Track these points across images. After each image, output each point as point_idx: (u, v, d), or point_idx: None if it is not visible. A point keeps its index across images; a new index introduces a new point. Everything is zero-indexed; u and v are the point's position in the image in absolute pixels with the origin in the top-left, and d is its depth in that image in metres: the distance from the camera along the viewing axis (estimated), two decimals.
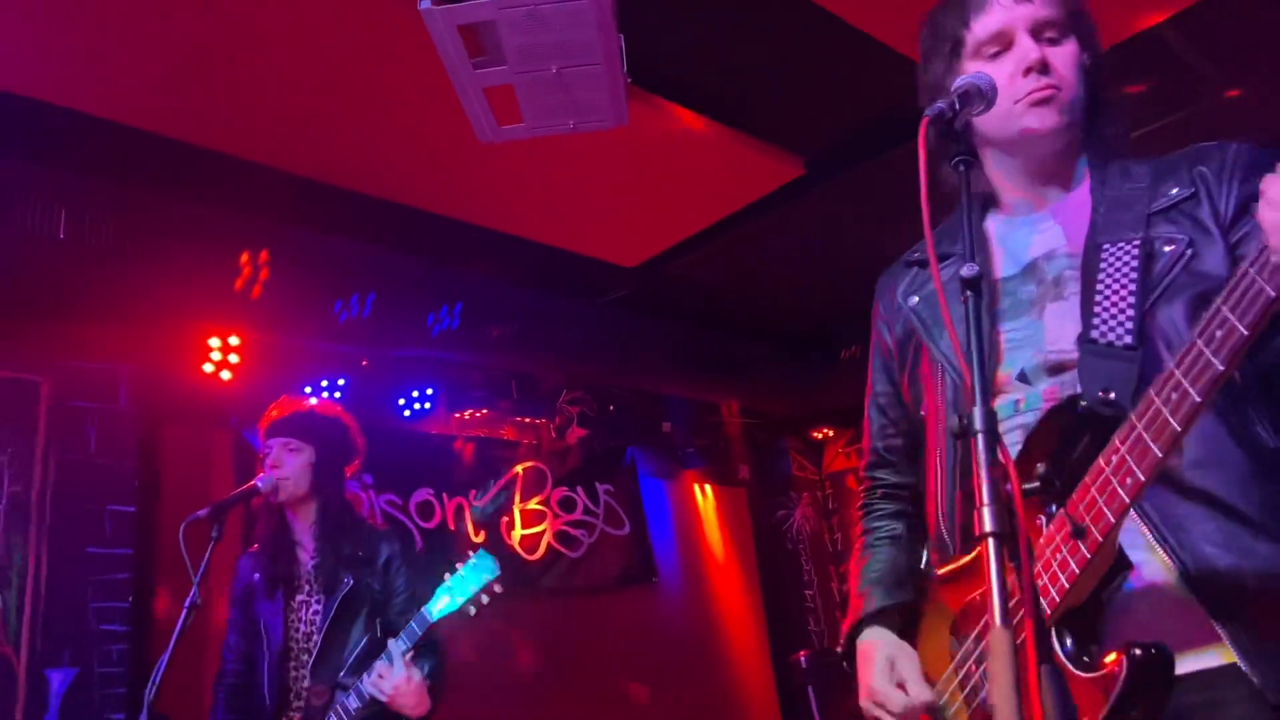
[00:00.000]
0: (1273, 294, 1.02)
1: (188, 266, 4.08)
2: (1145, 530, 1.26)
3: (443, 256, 4.86)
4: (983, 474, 1.07)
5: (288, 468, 2.99)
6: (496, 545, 5.70)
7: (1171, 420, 1.10)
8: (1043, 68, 1.47)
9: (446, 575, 2.71)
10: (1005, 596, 1.00)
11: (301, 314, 4.46)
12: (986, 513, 1.05)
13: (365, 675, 2.71)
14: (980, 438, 1.09)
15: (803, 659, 6.32)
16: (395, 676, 2.65)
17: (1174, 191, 1.42)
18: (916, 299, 1.66)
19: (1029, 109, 1.47)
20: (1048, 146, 1.52)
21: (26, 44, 3.19)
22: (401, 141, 3.89)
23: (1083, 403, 1.24)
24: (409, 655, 2.70)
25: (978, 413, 1.10)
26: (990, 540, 1.03)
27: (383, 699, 2.67)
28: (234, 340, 4.70)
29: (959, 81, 1.39)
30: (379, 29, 3.24)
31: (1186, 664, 1.21)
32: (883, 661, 1.50)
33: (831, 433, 7.79)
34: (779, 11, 3.50)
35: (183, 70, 3.38)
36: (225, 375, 4.68)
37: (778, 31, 3.64)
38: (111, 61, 3.31)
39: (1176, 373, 1.10)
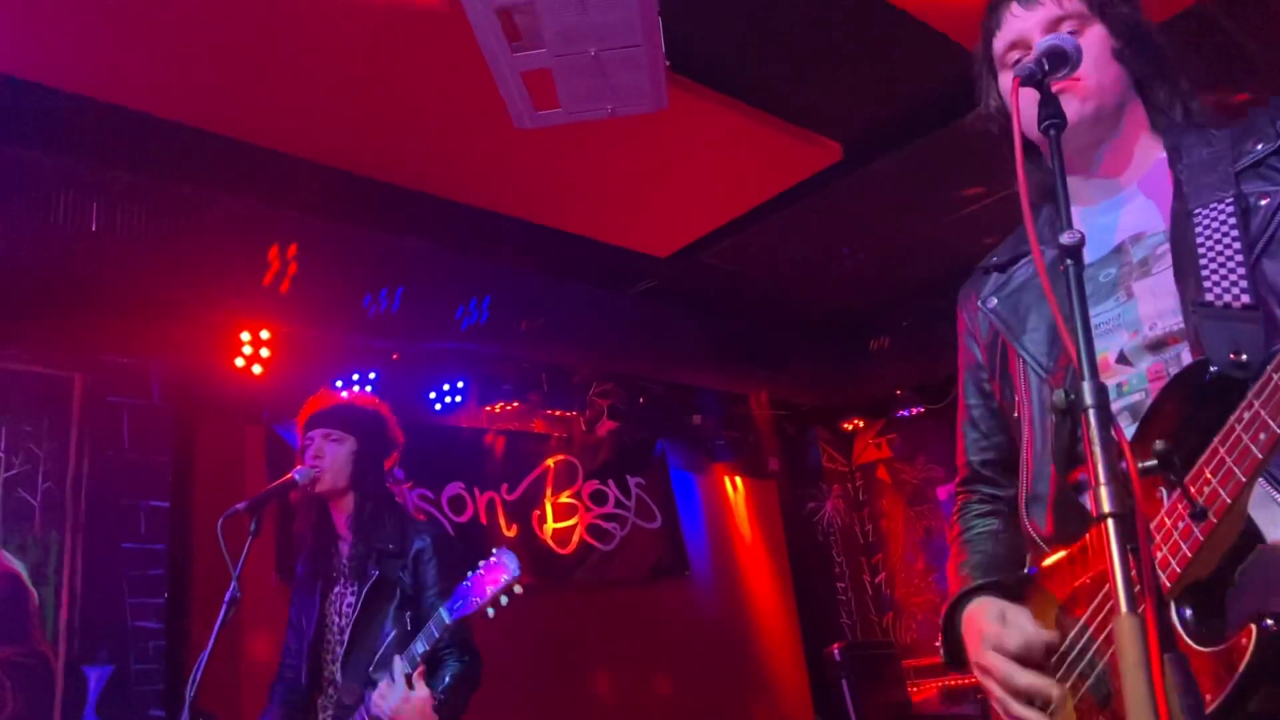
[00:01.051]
0: None
1: (219, 260, 4.06)
2: (1276, 494, 1.19)
3: (473, 248, 4.83)
4: (1097, 451, 1.00)
5: (329, 458, 2.94)
6: (528, 539, 5.67)
7: None
8: None
9: (468, 574, 2.63)
10: (1129, 581, 0.94)
11: (332, 307, 4.43)
12: (1104, 492, 0.98)
13: (368, 691, 2.64)
14: (1092, 413, 1.03)
15: (836, 651, 6.27)
16: (395, 695, 2.56)
17: (1259, 147, 1.37)
18: (995, 300, 1.62)
19: None
20: (1088, 134, 1.48)
21: (60, 36, 3.16)
22: (431, 131, 3.84)
23: (1213, 367, 1.17)
24: (419, 669, 2.60)
25: (1087, 387, 1.04)
26: (1110, 521, 0.97)
27: (385, 718, 2.58)
28: (265, 334, 4.68)
29: (1044, 42, 1.34)
30: (412, 16, 3.19)
31: None
32: (995, 614, 1.42)
33: (862, 424, 7.71)
34: None
35: (214, 62, 3.35)
36: (257, 369, 4.67)
37: (814, 14, 3.57)
38: (143, 54, 3.28)
39: None
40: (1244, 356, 1.20)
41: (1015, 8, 1.53)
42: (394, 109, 3.70)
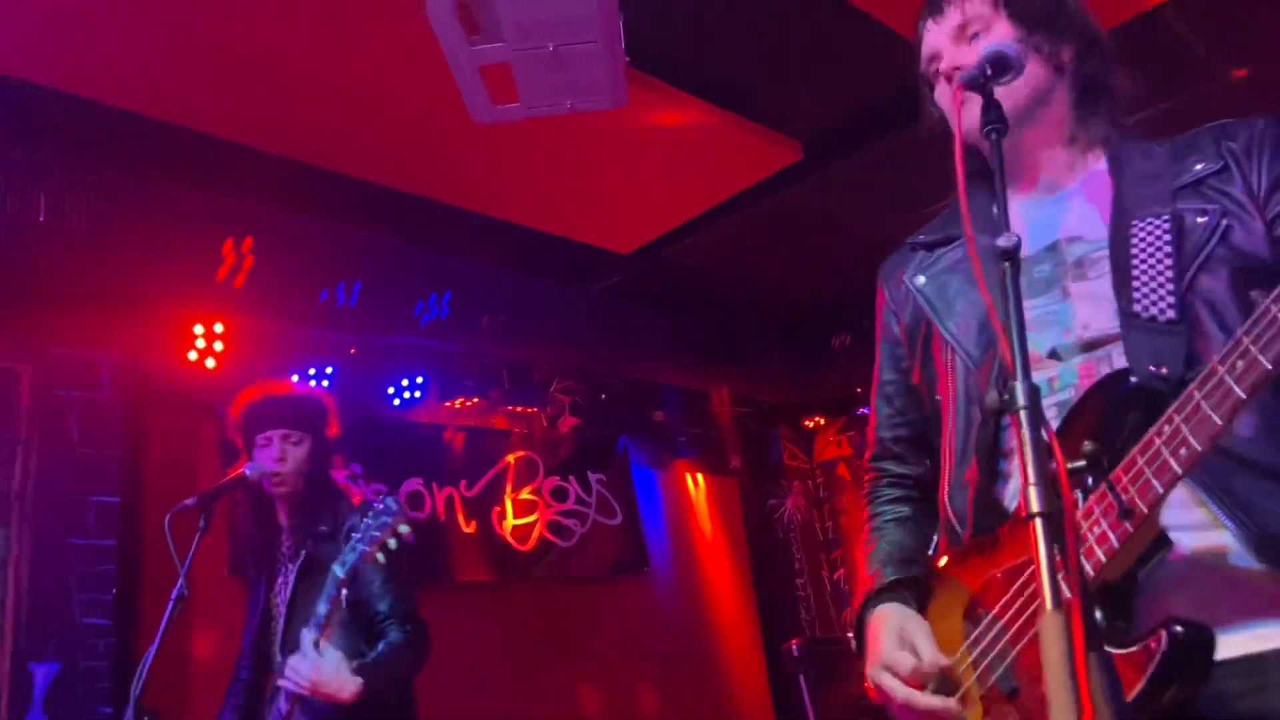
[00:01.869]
0: None
1: (171, 251, 3.99)
2: (1204, 503, 1.23)
3: (433, 242, 4.79)
4: (1028, 452, 1.02)
5: (291, 462, 2.91)
6: (488, 535, 5.65)
7: (1236, 388, 1.06)
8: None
9: (352, 535, 2.58)
10: (1055, 580, 0.95)
11: (288, 300, 4.38)
12: (1033, 492, 0.99)
13: (281, 679, 2.59)
14: (1023, 414, 1.04)
15: (794, 647, 6.30)
16: (305, 665, 2.50)
17: (1199, 167, 1.38)
18: (923, 279, 1.62)
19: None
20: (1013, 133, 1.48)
21: (6, 23, 3.09)
22: (391, 124, 3.80)
23: (1133, 377, 1.20)
24: (325, 632, 2.54)
25: (1020, 388, 1.05)
26: (1039, 521, 0.98)
27: (303, 692, 2.51)
28: (219, 327, 4.61)
29: (988, 49, 1.35)
30: (369, 5, 3.16)
31: (1243, 646, 1.18)
32: (893, 629, 1.46)
33: (823, 421, 7.75)
34: None
35: (167, 49, 3.29)
36: (210, 363, 4.60)
37: (776, 12, 3.58)
38: (93, 40, 3.22)
39: (1245, 340, 1.06)
40: (1164, 369, 1.23)
41: (929, 23, 1.55)
42: (353, 100, 3.66)
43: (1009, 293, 1.12)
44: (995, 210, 1.53)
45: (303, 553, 2.85)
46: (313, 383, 5.01)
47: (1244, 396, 1.06)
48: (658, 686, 6.09)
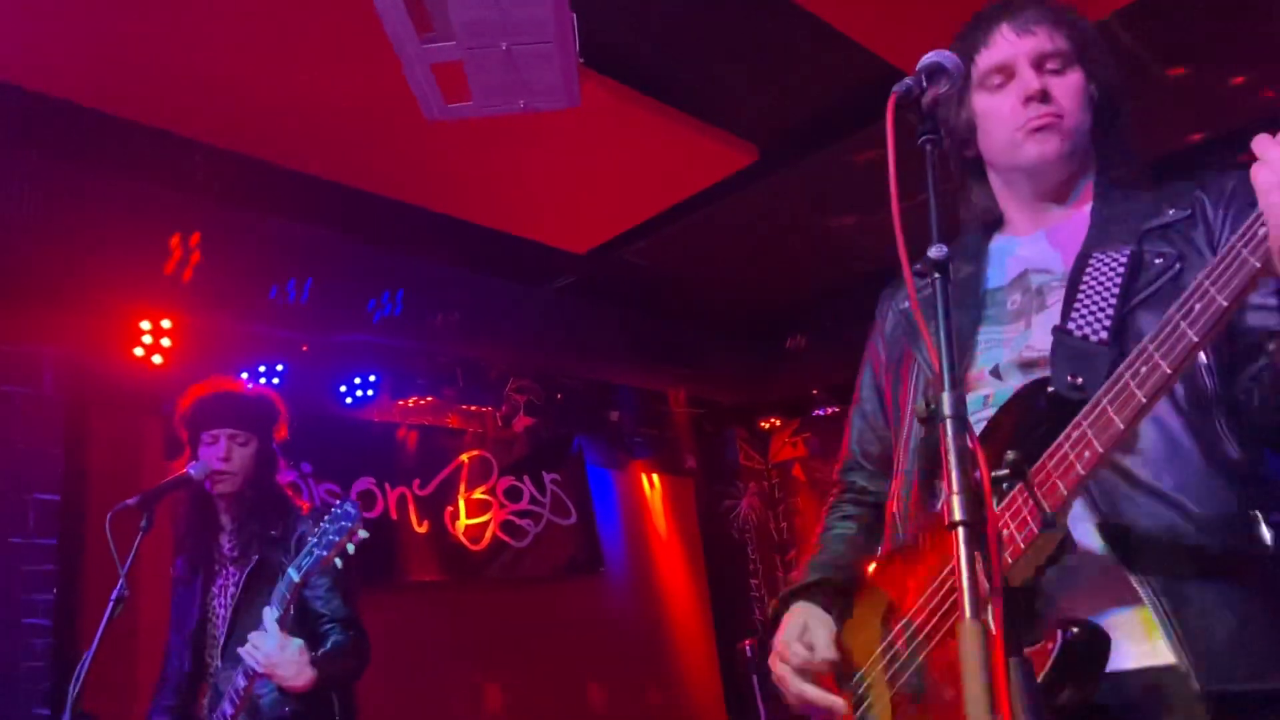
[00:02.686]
0: (1257, 265, 1.03)
1: (118, 246, 3.91)
2: (1090, 513, 1.28)
3: (386, 240, 4.74)
4: (951, 460, 1.04)
5: (237, 462, 2.89)
6: (440, 535, 5.61)
7: (1138, 392, 1.10)
8: (1043, 97, 1.50)
9: (314, 530, 2.58)
10: (976, 587, 0.97)
11: (237, 297, 4.31)
12: (956, 501, 1.01)
13: (242, 649, 2.57)
14: (948, 423, 1.06)
15: (748, 648, 6.34)
16: (268, 644, 2.50)
17: (1171, 212, 1.44)
18: (907, 304, 1.68)
19: (1029, 135, 1.50)
20: (1053, 174, 1.55)
21: None
22: (343, 120, 3.75)
23: (1050, 388, 1.23)
24: (288, 611, 2.55)
25: (946, 397, 1.07)
26: (960, 529, 1.00)
27: (259, 669, 2.51)
28: (166, 324, 4.53)
29: (925, 59, 1.36)
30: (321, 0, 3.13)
31: (1132, 658, 1.22)
32: (797, 624, 1.55)
33: (779, 422, 7.80)
34: None
35: (115, 42, 3.23)
36: (157, 359, 4.52)
37: (733, 16, 3.60)
38: (40, 32, 3.15)
39: (1149, 346, 1.11)
40: (1080, 380, 1.27)
41: (1007, 30, 1.54)
42: (305, 96, 3.60)
43: (939, 305, 1.14)
44: (969, 238, 1.59)
45: (254, 557, 2.83)
46: (263, 380, 4.94)
47: (1144, 400, 1.10)
48: (611, 687, 6.09)
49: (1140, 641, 1.23)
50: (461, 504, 5.77)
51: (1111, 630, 1.19)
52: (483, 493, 5.89)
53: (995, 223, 1.65)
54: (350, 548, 2.52)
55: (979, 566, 0.98)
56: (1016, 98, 1.50)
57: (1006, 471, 1.16)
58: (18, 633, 3.94)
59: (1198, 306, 1.08)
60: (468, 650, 5.45)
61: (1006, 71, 1.53)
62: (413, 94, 3.15)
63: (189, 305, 4.31)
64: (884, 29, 3.59)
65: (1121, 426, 1.11)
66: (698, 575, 7.15)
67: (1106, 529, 1.24)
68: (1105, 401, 1.14)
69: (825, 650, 1.48)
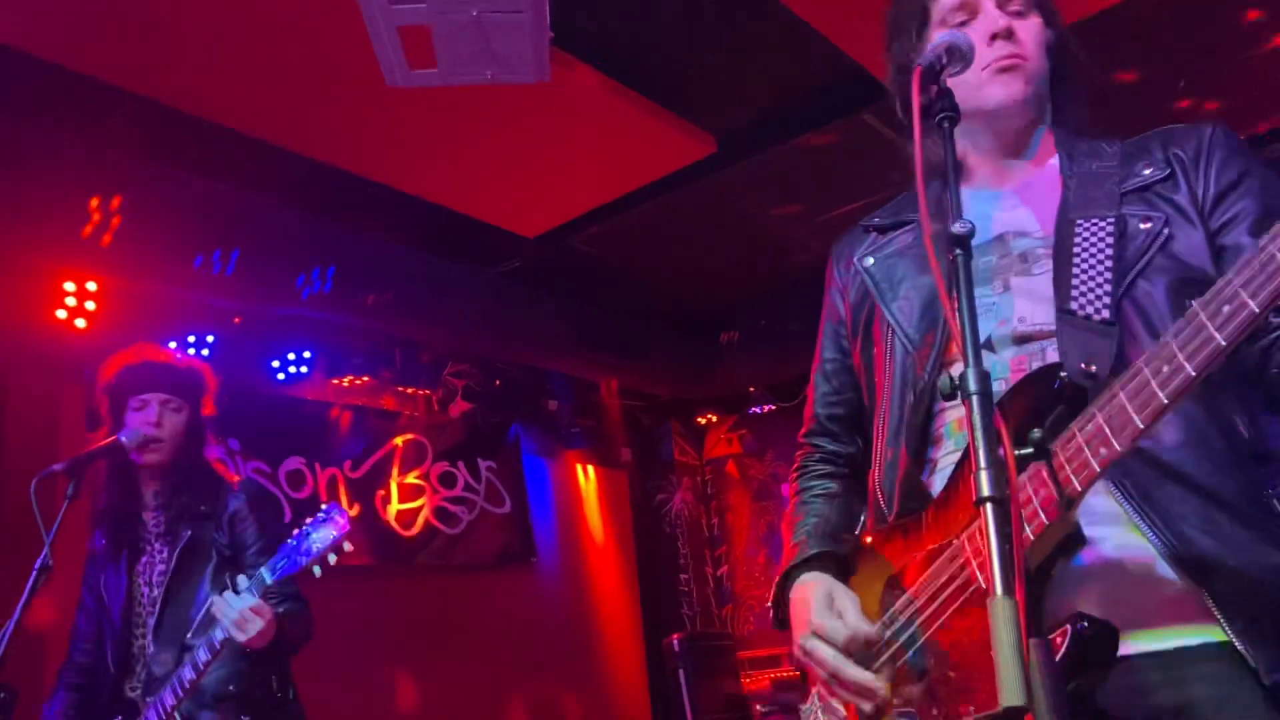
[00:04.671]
0: None
1: (40, 202, 3.69)
2: (1123, 506, 1.24)
3: (322, 208, 4.56)
4: (978, 437, 1.02)
5: (168, 429, 2.77)
6: (371, 519, 5.47)
7: (1160, 393, 1.07)
8: (1008, 34, 1.47)
9: (294, 532, 2.50)
10: (1007, 564, 0.95)
11: (162, 262, 4.11)
12: (984, 476, 0.99)
13: (214, 628, 2.48)
14: (975, 399, 1.04)
15: (675, 642, 6.35)
16: (239, 602, 2.41)
17: (1147, 172, 1.42)
18: (871, 260, 1.62)
19: (995, 76, 1.47)
20: (1014, 118, 1.52)
21: None
22: (289, 78, 3.56)
23: (1063, 373, 1.21)
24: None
25: (971, 374, 1.06)
26: (989, 505, 0.98)
27: (227, 625, 2.42)
28: (91, 286, 4.33)
29: (941, 36, 1.35)
30: None
31: (1159, 641, 1.21)
32: (822, 597, 1.45)
33: (715, 418, 7.83)
34: None
35: None
36: (80, 323, 4.32)
37: (704, 4, 3.57)
38: None
39: (1173, 344, 1.06)
40: (1094, 368, 1.25)
41: None
42: (251, 50, 3.41)
43: (960, 279, 1.12)
44: (948, 197, 1.56)
45: (186, 533, 2.72)
46: (192, 351, 4.75)
47: (1166, 402, 1.07)
48: (538, 677, 6.04)
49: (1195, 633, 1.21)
50: (394, 488, 5.64)
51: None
52: (416, 477, 5.77)
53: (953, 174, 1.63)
54: (332, 559, 2.44)
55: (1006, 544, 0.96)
56: (980, 35, 1.46)
57: (1031, 450, 1.14)
58: None
59: (1226, 309, 1.02)
60: (395, 636, 5.33)
61: (970, 8, 1.50)
62: (369, 57, 3.05)
63: (113, 269, 4.10)
64: (849, 25, 3.59)
65: (1141, 426, 1.08)
66: (628, 569, 7.14)
67: (1168, 552, 1.21)
68: (1124, 396, 1.10)
69: (859, 624, 1.38)
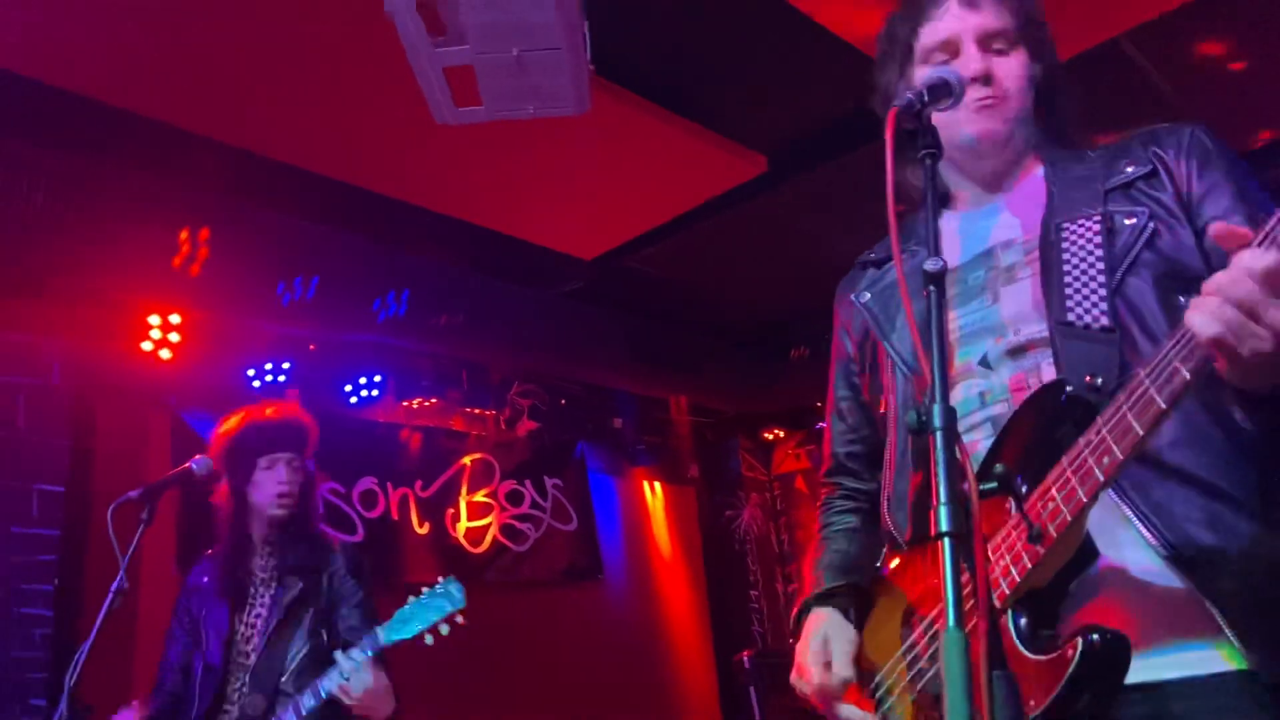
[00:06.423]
0: None
1: (129, 240, 3.94)
2: (1126, 511, 1.25)
3: (393, 239, 4.76)
4: (939, 472, 1.04)
5: (295, 485, 2.95)
6: (441, 537, 5.61)
7: (1158, 398, 1.09)
8: (985, 78, 1.48)
9: (409, 598, 2.63)
10: (959, 598, 0.97)
11: (245, 293, 4.34)
12: (943, 512, 1.02)
13: (325, 677, 2.64)
14: (938, 435, 1.07)
15: (746, 659, 6.32)
16: (363, 679, 2.57)
17: (1130, 169, 1.42)
18: (869, 295, 1.66)
19: (973, 115, 1.48)
20: (993, 154, 1.54)
21: None
22: (354, 119, 3.78)
23: (1069, 388, 1.22)
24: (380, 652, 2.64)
25: (937, 409, 1.08)
26: (945, 540, 1.01)
27: (349, 701, 2.59)
28: (175, 318, 4.56)
29: (930, 74, 1.37)
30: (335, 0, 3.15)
31: (1175, 667, 1.21)
32: (818, 638, 1.51)
33: (782, 434, 7.80)
34: (746, 6, 3.48)
35: (125, 33, 3.25)
36: (165, 354, 4.55)
37: (744, 26, 3.62)
38: (54, 25, 3.18)
39: (1170, 348, 1.08)
40: (1099, 380, 1.26)
41: (953, 5, 1.51)
42: (315, 94, 3.63)
43: (932, 316, 1.14)
44: (913, 220, 1.58)
45: (298, 585, 2.87)
46: (270, 378, 4.97)
47: (1164, 407, 1.08)
48: (607, 695, 6.08)
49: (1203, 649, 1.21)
50: (463, 506, 5.78)
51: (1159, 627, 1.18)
52: (484, 496, 5.90)
53: (940, 200, 1.62)
54: (444, 629, 2.61)
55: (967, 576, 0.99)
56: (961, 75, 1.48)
57: (995, 485, 1.16)
58: (15, 623, 3.95)
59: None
60: (463, 653, 5.44)
61: (950, 48, 1.51)
62: (423, 96, 3.17)
63: (197, 300, 4.33)
64: None
65: (1141, 433, 1.10)
66: (697, 585, 7.13)
67: (1170, 555, 1.21)
68: (1125, 406, 1.12)
69: (842, 668, 1.46)
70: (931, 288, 1.16)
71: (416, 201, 4.44)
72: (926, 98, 1.31)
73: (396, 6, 2.68)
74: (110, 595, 2.54)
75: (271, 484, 2.92)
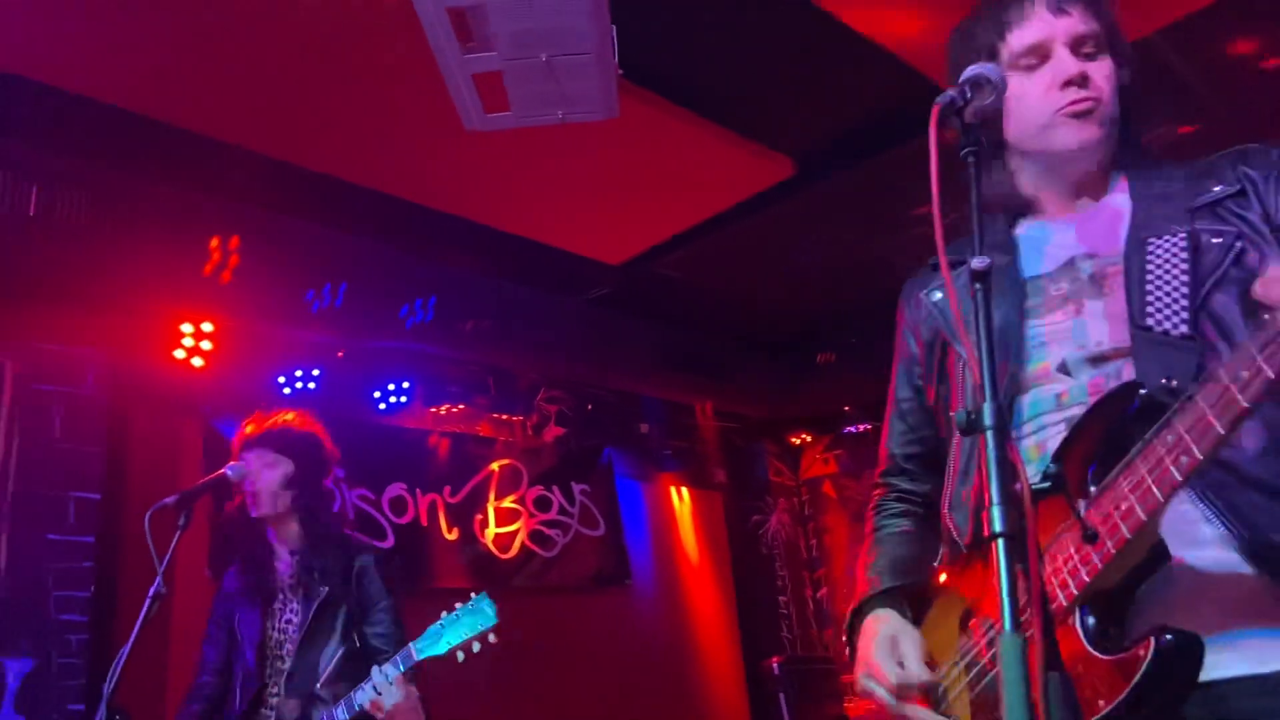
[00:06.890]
0: None
1: (161, 249, 3.99)
2: (1205, 511, 1.24)
3: (420, 246, 4.79)
4: (991, 471, 1.03)
5: (264, 480, 2.94)
6: (469, 542, 5.63)
7: (1240, 397, 1.06)
8: (1082, 80, 1.46)
9: (442, 614, 2.64)
10: (1015, 600, 0.96)
11: (275, 301, 4.38)
12: (995, 513, 1.01)
13: (358, 691, 2.66)
14: (989, 434, 1.05)
15: (775, 665, 6.30)
16: (394, 695, 2.59)
17: (1217, 189, 1.40)
18: (940, 295, 1.64)
19: (1068, 120, 1.46)
20: (1086, 161, 1.51)
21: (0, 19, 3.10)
22: (382, 127, 3.81)
23: (1143, 389, 1.21)
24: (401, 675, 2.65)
25: (987, 408, 1.06)
26: (1000, 541, 0.99)
27: (380, 716, 2.61)
28: (207, 327, 4.60)
29: (968, 71, 1.35)
30: (363, 9, 3.17)
31: (1244, 662, 1.19)
32: (885, 637, 1.48)
33: (809, 438, 7.77)
34: (773, 9, 3.47)
35: (161, 48, 3.30)
36: (197, 362, 4.59)
37: (771, 29, 3.61)
38: (89, 38, 3.23)
39: (1252, 348, 1.06)
40: (1174, 382, 1.24)
41: (1041, 9, 1.48)
42: (342, 103, 3.66)
43: (979, 315, 1.13)
44: (1000, 230, 1.56)
45: (324, 589, 2.88)
46: (299, 385, 5.00)
47: (1246, 406, 1.06)
48: (635, 700, 6.07)
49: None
50: (491, 512, 5.79)
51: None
52: (512, 501, 5.91)
53: (1018, 209, 1.60)
54: (476, 646, 2.61)
55: (1021, 581, 0.97)
56: (1052, 80, 1.45)
57: (1048, 485, 1.15)
58: (53, 629, 4.00)
59: None
60: (492, 658, 5.44)
61: (1041, 52, 1.47)
62: (451, 104, 3.19)
63: (227, 308, 4.38)
64: (921, 43, 3.58)
65: (1222, 432, 1.08)
66: (725, 591, 7.11)
67: (1251, 556, 1.20)
68: (1204, 405, 1.10)
69: (918, 669, 1.42)
70: (978, 285, 1.15)
71: (444, 208, 4.46)
72: (969, 94, 1.30)
73: (427, 14, 2.69)
74: (148, 600, 2.55)
75: (244, 482, 2.94)
